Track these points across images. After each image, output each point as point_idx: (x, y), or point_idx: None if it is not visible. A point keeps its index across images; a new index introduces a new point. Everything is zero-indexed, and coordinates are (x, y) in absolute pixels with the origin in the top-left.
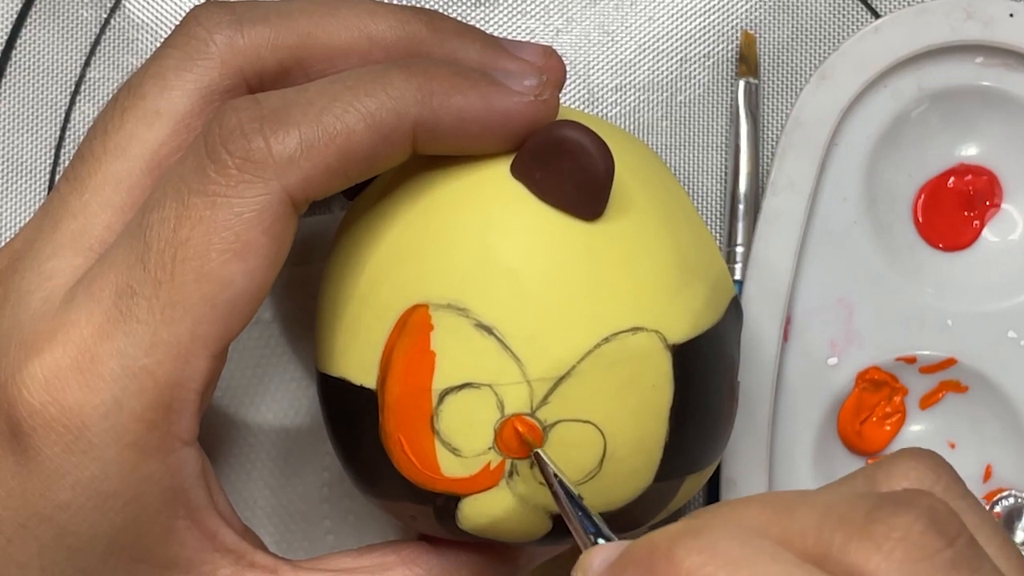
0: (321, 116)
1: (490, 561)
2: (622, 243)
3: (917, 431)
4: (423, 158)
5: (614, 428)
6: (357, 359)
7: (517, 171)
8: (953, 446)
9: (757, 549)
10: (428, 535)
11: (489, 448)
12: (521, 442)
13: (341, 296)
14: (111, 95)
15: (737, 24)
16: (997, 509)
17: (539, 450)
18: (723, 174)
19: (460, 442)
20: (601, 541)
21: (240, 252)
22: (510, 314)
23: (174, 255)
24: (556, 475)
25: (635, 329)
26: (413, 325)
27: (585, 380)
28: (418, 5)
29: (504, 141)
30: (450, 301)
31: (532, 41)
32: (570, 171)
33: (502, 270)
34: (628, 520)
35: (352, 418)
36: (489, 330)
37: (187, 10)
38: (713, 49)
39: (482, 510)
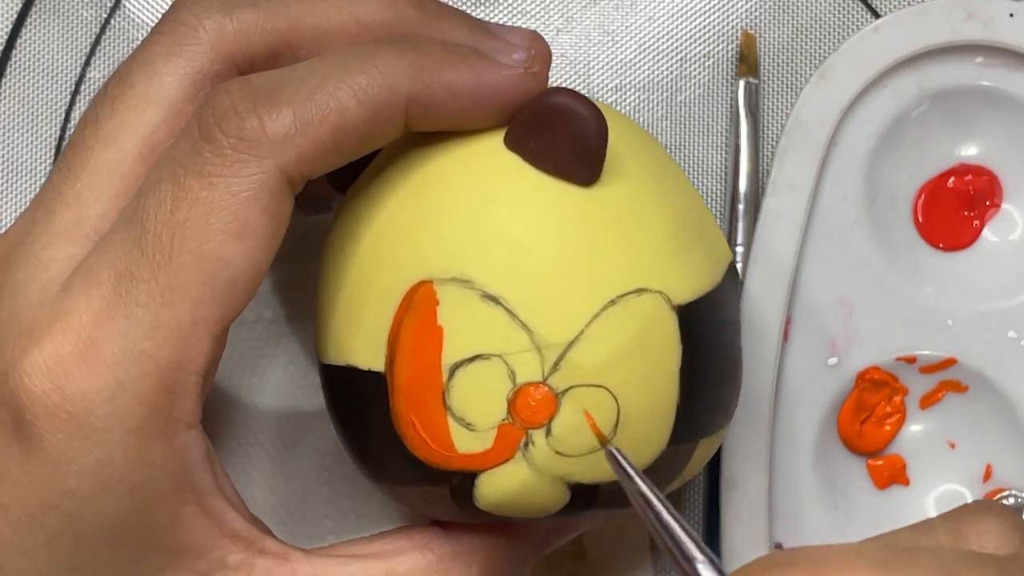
0: (314, 93)
1: (503, 544)
2: (619, 207)
3: (917, 431)
4: (415, 137)
5: (626, 391)
6: (363, 344)
7: (511, 142)
8: (953, 446)
9: None
10: (440, 521)
11: (503, 419)
12: (535, 411)
13: (341, 283)
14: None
15: (737, 24)
16: None
17: (612, 447)
18: (723, 174)
19: (473, 416)
20: (699, 559)
21: (238, 232)
22: (515, 283)
23: (172, 237)
24: (641, 481)
25: (640, 290)
26: (418, 302)
27: (594, 344)
28: None
29: (496, 115)
30: (454, 274)
31: (518, 26)
32: (564, 137)
33: (504, 240)
34: None
35: (361, 405)
36: (496, 300)
37: None
38: (713, 49)
39: (499, 485)
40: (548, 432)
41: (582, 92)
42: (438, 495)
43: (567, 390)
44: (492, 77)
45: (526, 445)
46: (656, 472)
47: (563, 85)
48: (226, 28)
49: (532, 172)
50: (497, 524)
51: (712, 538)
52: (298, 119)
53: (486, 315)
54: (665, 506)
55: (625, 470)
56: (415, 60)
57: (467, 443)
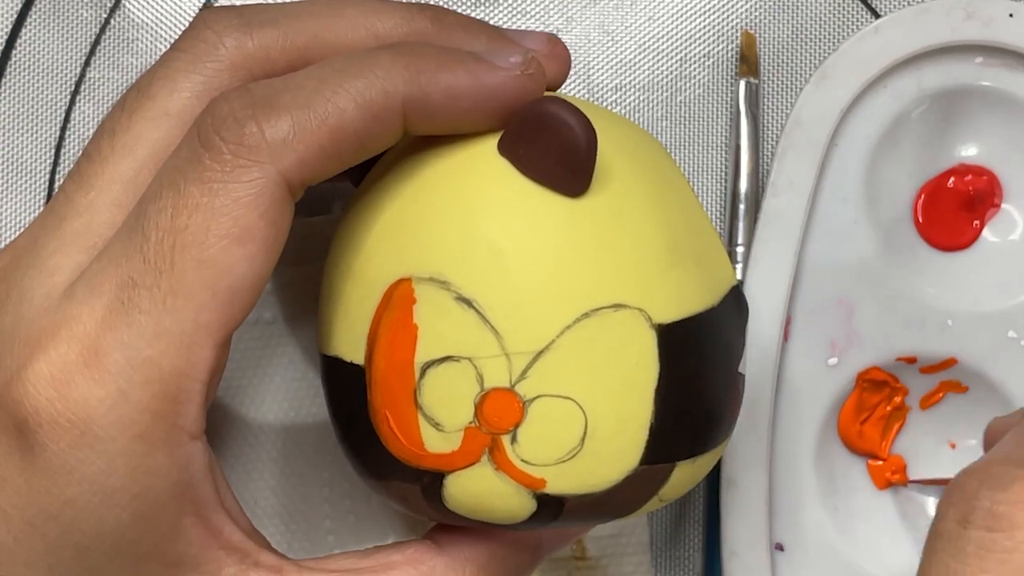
0: (312, 99)
1: (496, 556)
2: (606, 219)
3: (917, 431)
4: (420, 141)
5: (595, 405)
6: (348, 336)
7: (503, 148)
8: (953, 446)
9: None
10: (435, 537)
11: (470, 422)
12: (501, 416)
13: (336, 277)
14: (111, 95)
15: (737, 24)
16: None
17: None
18: (723, 174)
19: (441, 416)
20: None
21: (239, 237)
22: (490, 287)
23: (173, 244)
24: None
25: (617, 306)
26: (397, 299)
27: (565, 355)
28: (423, 1)
29: (494, 118)
30: (432, 274)
31: (536, 30)
32: (552, 146)
33: (483, 244)
34: (616, 505)
35: (346, 396)
36: (469, 303)
37: (187, 10)
38: (713, 49)
39: (466, 488)
40: (514, 439)
41: (582, 92)
42: (412, 493)
43: (534, 399)
44: (489, 79)
45: (491, 450)
46: (628, 490)
47: (565, 85)
48: (246, 46)
49: (520, 179)
50: (489, 535)
51: (712, 537)
52: (296, 124)
53: (459, 317)
54: None
55: None
56: (412, 63)
57: (436, 443)
